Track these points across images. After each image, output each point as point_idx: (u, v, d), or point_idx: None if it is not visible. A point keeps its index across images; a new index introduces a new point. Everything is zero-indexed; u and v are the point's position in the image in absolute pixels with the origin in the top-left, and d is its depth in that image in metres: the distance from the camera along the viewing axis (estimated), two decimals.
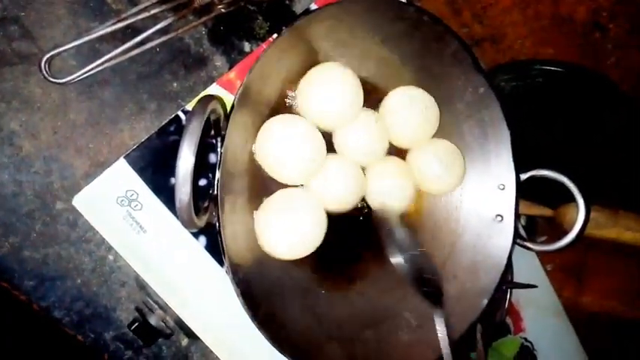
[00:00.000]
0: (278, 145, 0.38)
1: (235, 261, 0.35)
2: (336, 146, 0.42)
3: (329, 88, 0.39)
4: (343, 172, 0.40)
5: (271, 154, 0.38)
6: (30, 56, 0.45)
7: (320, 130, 0.40)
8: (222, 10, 0.47)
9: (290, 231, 0.38)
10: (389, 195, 0.41)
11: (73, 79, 0.44)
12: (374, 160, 0.42)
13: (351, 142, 0.41)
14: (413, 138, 0.42)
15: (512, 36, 0.57)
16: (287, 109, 0.40)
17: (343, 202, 0.40)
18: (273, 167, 0.38)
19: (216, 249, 0.39)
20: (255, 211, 0.39)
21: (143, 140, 0.41)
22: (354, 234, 0.43)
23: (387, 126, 0.42)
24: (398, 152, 0.43)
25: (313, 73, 0.40)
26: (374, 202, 0.42)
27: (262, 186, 0.39)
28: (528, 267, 0.59)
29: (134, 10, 0.45)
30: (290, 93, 0.40)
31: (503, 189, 0.42)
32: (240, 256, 0.36)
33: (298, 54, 0.40)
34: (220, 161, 0.34)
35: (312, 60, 0.40)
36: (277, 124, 0.38)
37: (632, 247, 0.54)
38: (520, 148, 0.41)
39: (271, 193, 0.39)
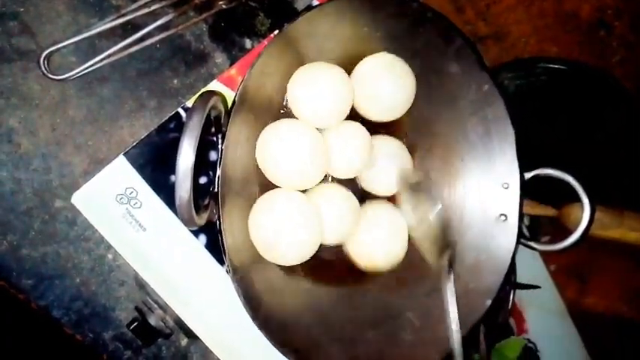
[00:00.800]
0: (276, 151, 0.37)
1: (236, 260, 0.35)
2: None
3: (317, 88, 0.38)
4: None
5: (270, 160, 0.37)
6: (29, 52, 0.44)
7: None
8: (223, 6, 0.47)
9: (285, 237, 0.36)
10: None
11: (72, 75, 0.44)
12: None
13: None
14: (386, 109, 0.41)
15: (516, 34, 0.56)
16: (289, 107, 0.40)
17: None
18: (273, 174, 0.38)
19: (216, 248, 0.38)
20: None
21: (143, 137, 0.40)
22: None
23: (358, 97, 0.40)
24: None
25: (299, 73, 0.39)
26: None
27: (264, 183, 0.39)
28: (531, 268, 0.58)
29: (134, 6, 0.45)
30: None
31: (507, 188, 0.41)
32: (241, 254, 0.36)
33: (300, 51, 0.39)
34: (221, 158, 0.34)
35: (313, 57, 0.40)
36: (273, 129, 0.38)
37: (637, 247, 0.54)
38: (524, 146, 0.41)
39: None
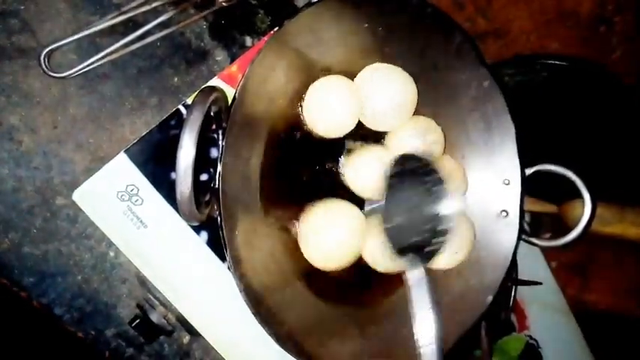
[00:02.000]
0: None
1: (237, 256, 0.35)
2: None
3: (332, 99, 0.39)
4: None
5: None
6: (29, 50, 0.44)
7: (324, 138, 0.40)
8: (224, 3, 0.47)
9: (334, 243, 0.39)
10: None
11: (73, 73, 0.44)
12: None
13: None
14: (386, 118, 0.41)
15: (516, 30, 0.56)
16: (291, 104, 0.40)
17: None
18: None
19: (217, 244, 0.38)
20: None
21: (144, 134, 0.40)
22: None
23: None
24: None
25: (317, 86, 0.40)
26: None
27: (264, 181, 0.39)
28: (533, 264, 0.58)
29: (135, 3, 0.45)
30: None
31: (508, 184, 0.41)
32: (243, 251, 0.36)
33: (300, 47, 0.39)
34: (222, 154, 0.34)
35: (313, 53, 0.40)
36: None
37: (638, 243, 0.54)
38: (525, 142, 0.41)
39: (277, 189, 0.39)
